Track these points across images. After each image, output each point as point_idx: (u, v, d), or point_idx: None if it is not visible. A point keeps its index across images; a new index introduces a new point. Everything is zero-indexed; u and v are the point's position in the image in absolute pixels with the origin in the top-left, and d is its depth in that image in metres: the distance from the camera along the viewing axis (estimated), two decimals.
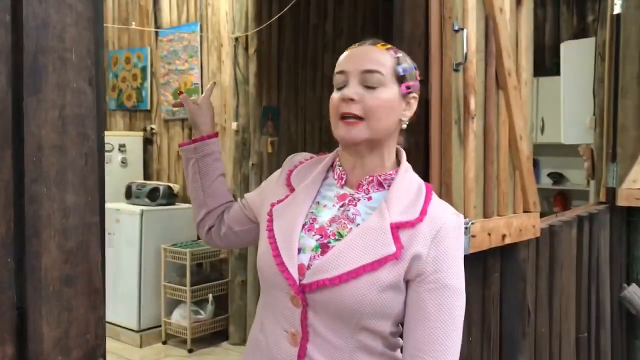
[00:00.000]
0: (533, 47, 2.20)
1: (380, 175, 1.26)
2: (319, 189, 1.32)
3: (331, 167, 1.35)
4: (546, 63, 5.25)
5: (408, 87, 1.27)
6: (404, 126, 1.29)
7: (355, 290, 1.14)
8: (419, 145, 1.83)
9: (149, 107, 5.56)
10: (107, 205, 5.03)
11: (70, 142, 0.94)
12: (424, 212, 1.19)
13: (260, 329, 1.28)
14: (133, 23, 5.41)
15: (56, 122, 0.92)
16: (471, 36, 1.80)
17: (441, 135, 1.76)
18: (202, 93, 5.45)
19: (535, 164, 5.41)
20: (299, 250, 1.22)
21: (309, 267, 1.19)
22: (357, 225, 1.22)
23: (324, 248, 1.21)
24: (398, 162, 1.31)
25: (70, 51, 0.93)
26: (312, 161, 1.39)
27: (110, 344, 4.83)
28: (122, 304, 4.90)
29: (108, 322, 4.98)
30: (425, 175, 1.78)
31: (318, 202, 1.29)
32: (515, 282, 2.20)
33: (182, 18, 5.22)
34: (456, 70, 1.76)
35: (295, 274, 1.18)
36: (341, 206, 1.26)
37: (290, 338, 1.19)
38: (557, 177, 5.34)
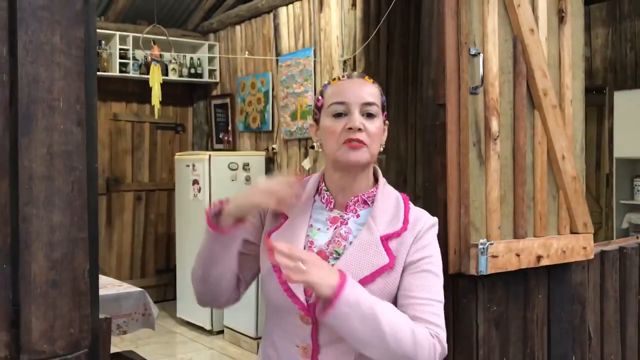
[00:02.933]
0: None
1: (364, 195, 1.39)
2: (311, 213, 1.44)
3: (317, 191, 1.45)
4: None
5: (386, 116, 1.42)
6: (381, 149, 1.41)
7: None
8: (445, 167, 1.88)
9: (270, 128, 5.93)
10: None
11: (57, 173, 1.17)
12: (406, 220, 1.34)
13: (271, 344, 1.40)
14: (247, 52, 5.82)
15: (45, 157, 1.16)
16: (492, 59, 1.83)
17: (459, 157, 1.81)
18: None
19: None
20: None
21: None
22: (350, 243, 1.34)
23: None
24: (375, 179, 1.44)
25: (58, 100, 1.17)
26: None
27: (230, 349, 5.21)
28: (242, 312, 5.25)
29: (231, 329, 5.37)
30: (444, 195, 1.84)
31: (312, 226, 1.39)
32: (567, 305, 2.14)
33: (298, 44, 5.53)
34: (474, 93, 1.80)
35: (302, 298, 1.28)
36: (335, 228, 1.39)
37: (302, 352, 1.32)
38: None
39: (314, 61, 5.34)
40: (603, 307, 2.32)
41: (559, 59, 2.04)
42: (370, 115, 1.36)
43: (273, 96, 5.89)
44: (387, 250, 1.29)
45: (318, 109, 1.43)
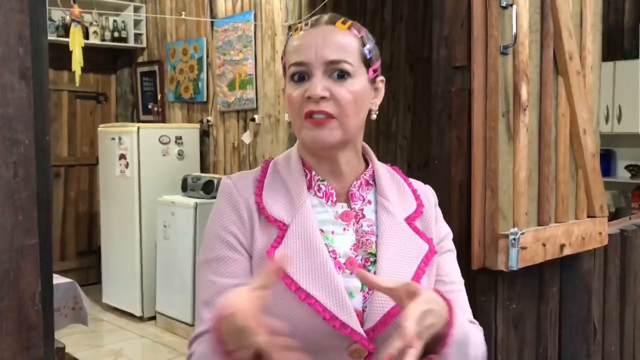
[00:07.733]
0: (606, 28, 1.91)
1: (364, 174, 1.12)
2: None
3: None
4: (625, 46, 4.79)
5: (375, 71, 1.09)
6: (374, 116, 1.12)
7: None
8: (462, 141, 1.59)
9: (205, 99, 5.48)
10: (164, 197, 5.02)
11: None
12: (416, 196, 1.14)
13: None
14: (183, 13, 5.33)
15: None
16: (522, 13, 1.54)
17: (485, 130, 1.51)
18: (256, 84, 5.28)
19: (611, 156, 4.97)
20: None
21: (363, 310, 1.02)
22: (376, 237, 1.08)
23: None
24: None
25: None
26: (269, 182, 1.10)
27: (164, 337, 4.81)
28: (176, 296, 4.85)
29: (164, 315, 4.96)
30: (467, 175, 1.54)
31: (322, 231, 1.07)
32: (579, 297, 1.92)
33: (236, 7, 5.09)
34: (504, 54, 1.50)
35: (360, 329, 0.99)
36: (354, 225, 1.08)
37: None
38: (636, 170, 4.87)
39: (255, 26, 4.92)
40: (605, 295, 2.12)
41: (581, 18, 1.78)
42: (342, 76, 1.03)
43: (208, 64, 5.43)
44: (419, 233, 1.09)
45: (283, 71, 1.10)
